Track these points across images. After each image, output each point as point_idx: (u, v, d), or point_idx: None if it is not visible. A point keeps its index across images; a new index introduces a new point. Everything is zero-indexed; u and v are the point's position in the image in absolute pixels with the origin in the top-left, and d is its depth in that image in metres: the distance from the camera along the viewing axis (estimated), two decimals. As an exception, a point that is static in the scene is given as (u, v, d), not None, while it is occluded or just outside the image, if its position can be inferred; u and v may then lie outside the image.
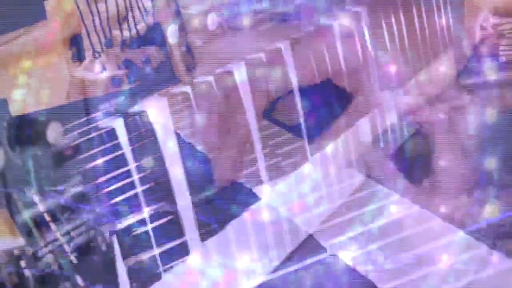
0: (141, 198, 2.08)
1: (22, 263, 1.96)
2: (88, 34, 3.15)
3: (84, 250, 2.03)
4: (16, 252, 1.98)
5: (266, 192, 2.19)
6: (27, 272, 1.87)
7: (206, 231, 2.33)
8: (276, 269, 2.23)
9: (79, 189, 1.99)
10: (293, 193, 2.65)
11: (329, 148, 2.21)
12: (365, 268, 1.80)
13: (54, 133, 1.74)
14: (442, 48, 2.87)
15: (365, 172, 2.42)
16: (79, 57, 3.20)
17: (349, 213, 2.16)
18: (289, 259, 2.57)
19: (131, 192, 2.22)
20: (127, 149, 1.99)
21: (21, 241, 1.96)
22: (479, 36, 3.16)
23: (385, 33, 2.44)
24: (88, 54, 3.24)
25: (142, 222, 2.09)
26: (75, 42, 3.19)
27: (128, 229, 2.12)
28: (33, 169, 1.85)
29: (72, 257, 1.89)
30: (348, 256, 1.71)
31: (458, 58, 3.07)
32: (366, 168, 2.22)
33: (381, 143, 2.90)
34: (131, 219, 2.14)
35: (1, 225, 2.05)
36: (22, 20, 3.07)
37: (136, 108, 2.22)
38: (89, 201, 2.08)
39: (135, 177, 1.98)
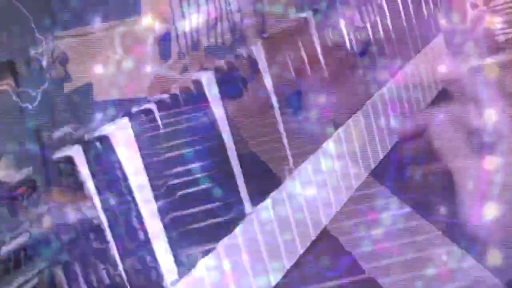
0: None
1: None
2: (177, 35, 3.26)
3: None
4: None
5: (288, 181, 2.16)
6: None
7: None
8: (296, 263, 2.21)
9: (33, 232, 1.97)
10: (312, 180, 2.56)
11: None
12: (366, 265, 1.75)
13: (3, 168, 1.73)
14: (434, 33, 2.54)
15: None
16: (165, 55, 3.32)
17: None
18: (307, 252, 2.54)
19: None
20: (89, 180, 1.95)
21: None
22: (471, 14, 2.74)
23: (378, 22, 2.24)
24: (173, 53, 3.35)
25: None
26: (164, 41, 3.31)
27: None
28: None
29: None
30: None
31: (450, 41, 2.68)
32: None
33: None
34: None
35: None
36: (120, 12, 3.25)
37: (97, 133, 2.17)
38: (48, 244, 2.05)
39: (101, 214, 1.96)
